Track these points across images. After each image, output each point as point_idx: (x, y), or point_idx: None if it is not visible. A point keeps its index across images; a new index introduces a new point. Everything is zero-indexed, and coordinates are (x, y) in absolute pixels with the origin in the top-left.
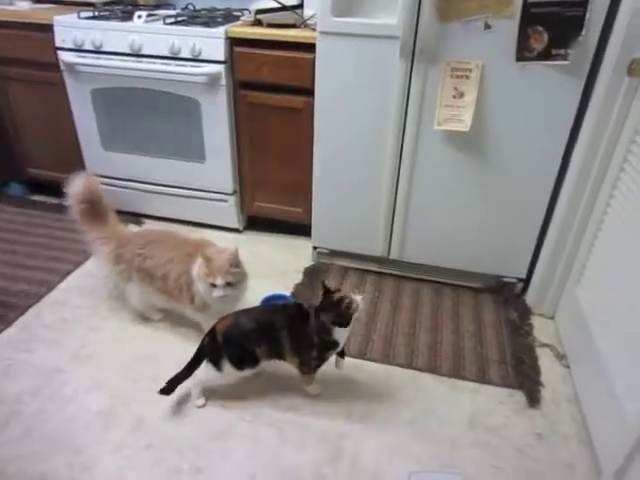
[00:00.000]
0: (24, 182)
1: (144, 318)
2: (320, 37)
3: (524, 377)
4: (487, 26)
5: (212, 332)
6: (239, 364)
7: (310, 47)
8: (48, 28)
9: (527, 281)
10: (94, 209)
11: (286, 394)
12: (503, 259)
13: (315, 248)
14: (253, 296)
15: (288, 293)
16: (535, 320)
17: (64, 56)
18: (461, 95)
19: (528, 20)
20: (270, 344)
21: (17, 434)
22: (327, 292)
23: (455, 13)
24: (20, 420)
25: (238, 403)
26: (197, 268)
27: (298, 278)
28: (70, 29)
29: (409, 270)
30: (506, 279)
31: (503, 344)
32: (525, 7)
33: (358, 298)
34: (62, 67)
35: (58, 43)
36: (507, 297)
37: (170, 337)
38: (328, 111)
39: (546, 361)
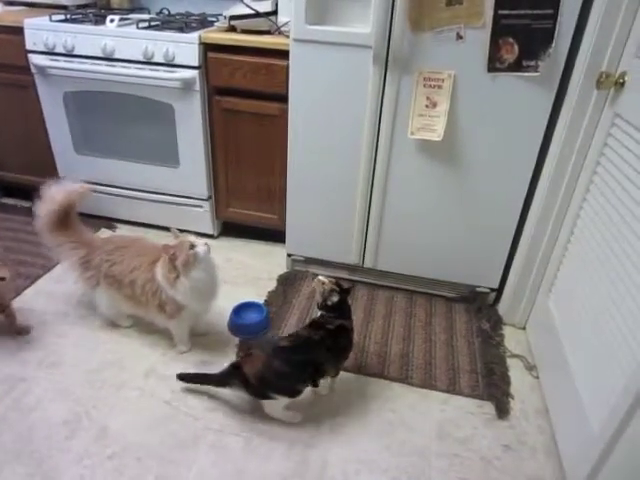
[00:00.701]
0: None
1: (113, 325)
2: (294, 44)
3: (494, 388)
4: (459, 37)
5: (238, 370)
6: (288, 393)
7: (284, 54)
8: (19, 31)
9: (499, 291)
10: (65, 219)
11: (258, 406)
12: (476, 269)
13: (290, 255)
14: (226, 302)
15: (261, 301)
16: (507, 330)
17: (35, 59)
18: (434, 105)
19: (499, 31)
20: (312, 376)
21: None
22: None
23: (427, 23)
24: None
25: (206, 413)
26: (160, 272)
27: (272, 286)
28: (41, 32)
29: (383, 278)
30: (479, 289)
31: (474, 354)
32: (496, 18)
33: (323, 279)
34: (33, 70)
35: (29, 46)
36: (480, 307)
37: (138, 344)
38: (302, 118)
39: (516, 372)
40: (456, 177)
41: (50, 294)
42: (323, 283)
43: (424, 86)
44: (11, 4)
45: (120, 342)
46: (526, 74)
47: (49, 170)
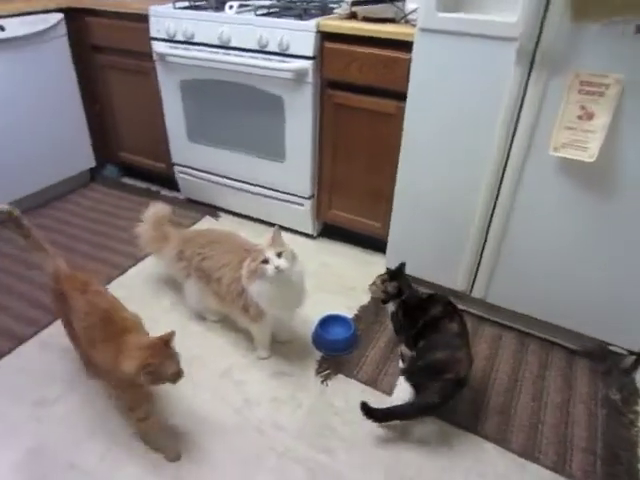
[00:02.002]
0: (117, 164)
1: (201, 316)
2: (419, 35)
3: None
4: (639, 30)
5: (463, 380)
6: None
7: (408, 45)
8: (144, 18)
9: None
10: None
11: (325, 434)
12: (612, 322)
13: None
14: (314, 310)
15: (350, 315)
16: None
17: (157, 46)
18: (590, 116)
19: None
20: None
21: None
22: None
23: (597, 12)
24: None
25: (273, 431)
26: (245, 271)
27: (365, 299)
28: (164, 19)
29: (492, 312)
30: (612, 347)
31: (595, 429)
32: None
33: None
34: (155, 57)
35: (153, 33)
36: (609, 369)
37: (222, 341)
38: (420, 120)
39: None
40: (607, 210)
41: (150, 276)
42: (374, 283)
43: (579, 92)
44: None
45: (205, 336)
46: None
47: (164, 155)
